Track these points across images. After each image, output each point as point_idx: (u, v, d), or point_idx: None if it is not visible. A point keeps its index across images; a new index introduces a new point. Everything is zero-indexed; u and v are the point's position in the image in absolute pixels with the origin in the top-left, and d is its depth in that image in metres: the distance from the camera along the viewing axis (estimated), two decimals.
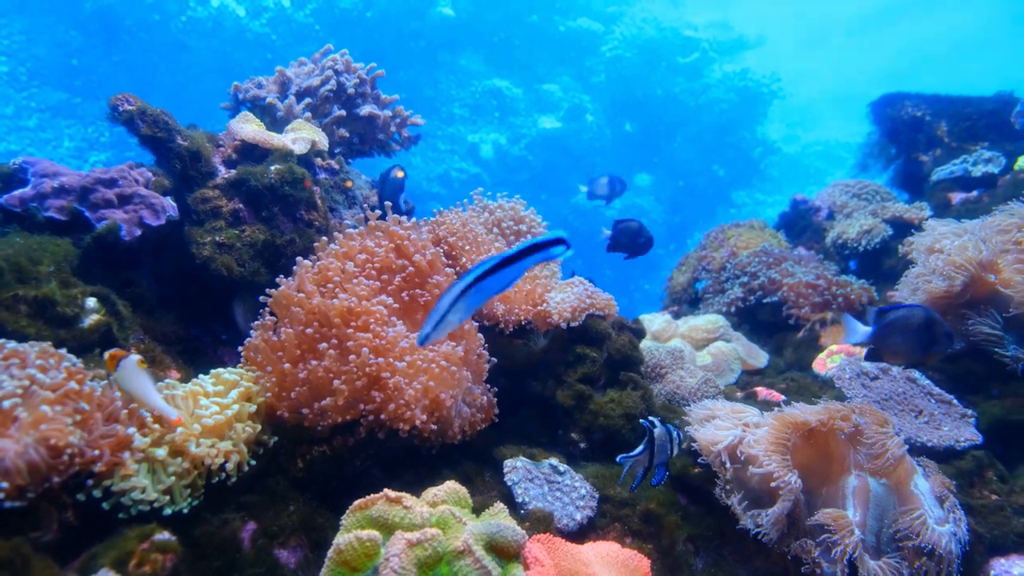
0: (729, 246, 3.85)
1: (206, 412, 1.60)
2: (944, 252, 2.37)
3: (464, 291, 1.20)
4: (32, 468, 1.25)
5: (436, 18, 12.37)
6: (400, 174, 2.63)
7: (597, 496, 1.79)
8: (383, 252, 2.01)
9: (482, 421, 1.96)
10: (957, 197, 3.57)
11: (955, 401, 2.25)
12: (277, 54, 11.36)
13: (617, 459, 1.63)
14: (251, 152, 2.43)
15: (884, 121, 4.18)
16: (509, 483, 1.76)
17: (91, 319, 1.82)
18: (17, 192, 2.00)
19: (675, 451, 1.63)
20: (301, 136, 2.56)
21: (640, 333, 2.63)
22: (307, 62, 2.93)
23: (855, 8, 20.90)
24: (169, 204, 2.18)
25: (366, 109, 2.92)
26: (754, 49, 15.62)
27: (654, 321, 3.29)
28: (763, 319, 3.35)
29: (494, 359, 2.05)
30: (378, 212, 2.12)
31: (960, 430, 2.12)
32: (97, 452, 1.35)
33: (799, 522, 1.60)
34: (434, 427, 1.76)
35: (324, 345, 1.74)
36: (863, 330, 2.02)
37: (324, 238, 2.10)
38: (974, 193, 3.52)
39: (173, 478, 1.45)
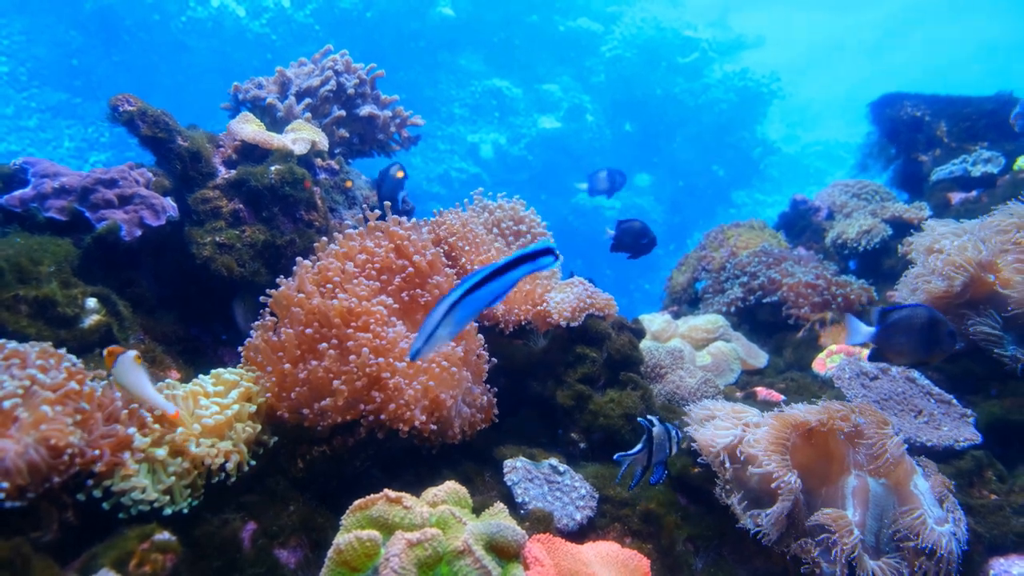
0: (729, 246, 3.85)
1: (206, 412, 1.60)
2: (943, 252, 2.37)
3: (453, 305, 1.22)
4: (32, 468, 1.25)
5: (436, 18, 12.38)
6: (400, 174, 2.63)
7: (597, 496, 1.79)
8: (383, 252, 2.01)
9: (482, 421, 1.97)
10: (956, 197, 3.57)
11: (954, 401, 2.25)
12: (277, 54, 11.37)
13: (614, 457, 1.63)
14: (251, 152, 2.44)
15: (884, 121, 4.18)
16: (509, 483, 1.76)
17: (91, 319, 1.83)
18: (18, 192, 2.00)
19: (674, 450, 1.63)
20: (301, 136, 2.56)
21: (640, 333, 2.63)
22: (307, 62, 2.94)
23: (855, 7, 20.91)
24: (169, 204, 2.18)
25: (366, 109, 2.92)
26: (754, 49, 15.64)
27: (654, 321, 3.29)
28: (763, 319, 3.36)
29: (494, 359, 2.05)
30: (378, 212, 2.12)
31: (959, 430, 2.13)
32: (97, 452, 1.35)
33: (799, 522, 1.60)
34: (434, 427, 1.77)
35: (324, 345, 1.74)
36: (866, 330, 2.03)
37: (324, 238, 2.10)
38: (973, 193, 3.52)
39: (173, 478, 1.46)
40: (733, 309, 3.43)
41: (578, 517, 1.70)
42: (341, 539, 1.27)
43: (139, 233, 2.07)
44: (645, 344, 2.84)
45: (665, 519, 1.74)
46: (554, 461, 1.85)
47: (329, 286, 1.88)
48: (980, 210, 2.86)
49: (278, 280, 1.92)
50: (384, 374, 1.69)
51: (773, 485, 1.57)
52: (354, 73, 2.90)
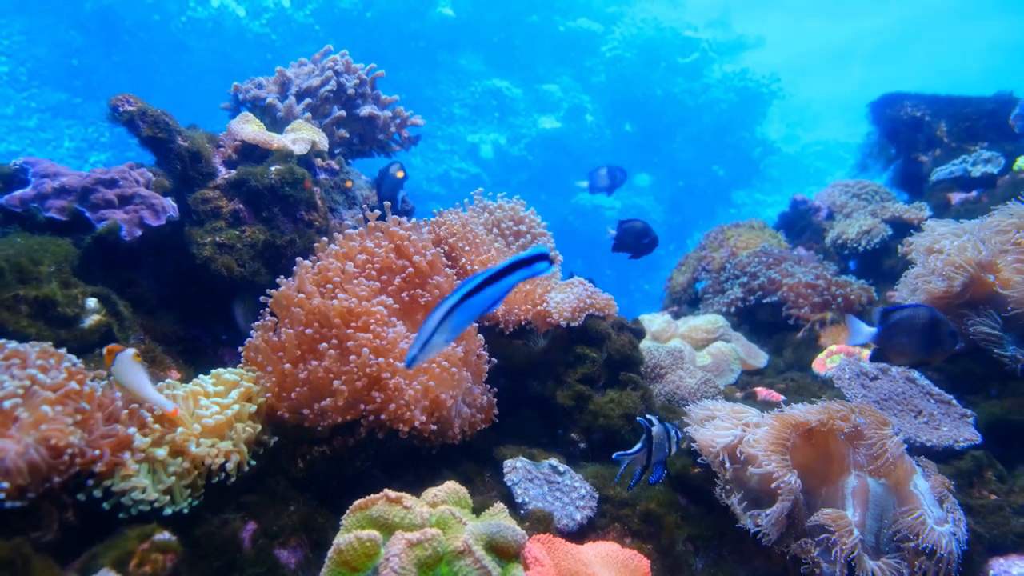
0: (729, 246, 3.85)
1: (206, 412, 1.60)
2: (943, 252, 2.37)
3: (448, 312, 1.22)
4: (33, 468, 1.25)
5: (436, 18, 12.38)
6: (400, 174, 2.63)
7: (597, 496, 1.79)
8: (383, 252, 2.01)
9: (482, 421, 1.97)
10: (956, 197, 3.57)
11: (954, 401, 2.25)
12: (277, 54, 11.37)
13: (613, 456, 1.63)
14: (251, 153, 2.44)
15: (884, 121, 4.18)
16: (509, 483, 1.76)
17: (92, 319, 1.83)
18: (18, 192, 2.00)
19: (673, 449, 1.63)
20: (301, 136, 2.56)
21: (640, 333, 2.63)
22: (307, 62, 2.94)
23: (855, 7, 20.92)
24: (169, 204, 2.18)
25: (366, 110, 2.92)
26: (754, 49, 15.64)
27: (654, 321, 3.29)
28: (763, 319, 3.36)
29: (494, 359, 2.05)
30: (378, 212, 2.12)
31: (959, 430, 2.13)
32: (98, 452, 1.35)
33: (798, 522, 1.60)
34: (434, 427, 1.77)
35: (324, 345, 1.74)
36: (868, 331, 2.03)
37: (324, 238, 2.10)
38: (973, 193, 3.52)
39: (173, 478, 1.46)
40: (733, 309, 3.43)
41: (578, 517, 1.70)
42: (341, 539, 1.27)
43: (139, 233, 2.07)
44: (645, 344, 2.85)
45: (665, 519, 1.74)
46: (554, 461, 1.85)
47: (329, 286, 1.88)
48: (980, 210, 2.86)
49: (278, 280, 1.92)
50: (384, 374, 1.69)
51: (773, 485, 1.57)
52: (354, 73, 2.90)
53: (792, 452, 1.64)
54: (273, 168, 2.32)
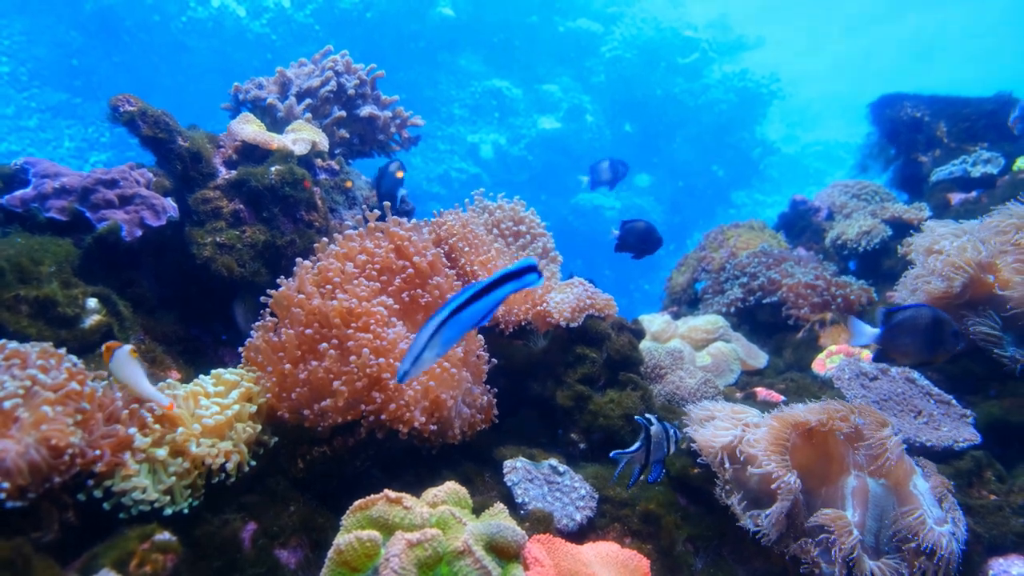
0: (728, 247, 3.86)
1: (207, 412, 1.60)
2: (943, 253, 2.37)
3: (439, 328, 1.23)
4: (33, 468, 1.25)
5: (436, 18, 12.38)
6: (400, 174, 2.63)
7: (597, 496, 1.79)
8: (383, 253, 2.02)
9: (482, 422, 1.97)
10: (956, 198, 3.57)
11: (954, 401, 2.25)
12: (277, 54, 11.37)
13: (611, 455, 1.63)
14: (252, 153, 2.44)
15: (883, 122, 4.19)
16: (509, 483, 1.76)
17: (92, 319, 1.83)
18: (18, 193, 2.00)
19: (672, 449, 1.63)
20: (301, 137, 2.56)
21: (639, 334, 2.63)
22: (307, 63, 2.94)
23: (855, 7, 20.92)
24: (170, 205, 2.18)
25: (366, 110, 2.93)
26: (754, 49, 15.63)
27: (654, 322, 3.29)
28: (762, 320, 3.36)
29: (494, 360, 2.05)
30: (378, 213, 2.13)
31: (959, 430, 2.13)
32: (98, 452, 1.36)
33: (798, 522, 1.60)
34: (434, 428, 1.77)
35: (324, 346, 1.74)
36: (871, 332, 2.03)
37: (324, 239, 2.10)
38: (973, 194, 3.53)
39: (174, 478, 1.46)
40: (733, 310, 3.43)
41: (578, 517, 1.70)
42: (341, 539, 1.27)
43: (140, 233, 2.07)
44: (645, 344, 2.85)
45: (665, 519, 1.74)
46: (554, 461, 1.85)
47: (329, 287, 1.88)
48: (980, 211, 2.86)
49: (278, 280, 1.92)
50: (384, 375, 1.70)
51: (773, 485, 1.57)
52: (354, 74, 2.90)
53: (792, 452, 1.64)
54: (273, 168, 2.33)
